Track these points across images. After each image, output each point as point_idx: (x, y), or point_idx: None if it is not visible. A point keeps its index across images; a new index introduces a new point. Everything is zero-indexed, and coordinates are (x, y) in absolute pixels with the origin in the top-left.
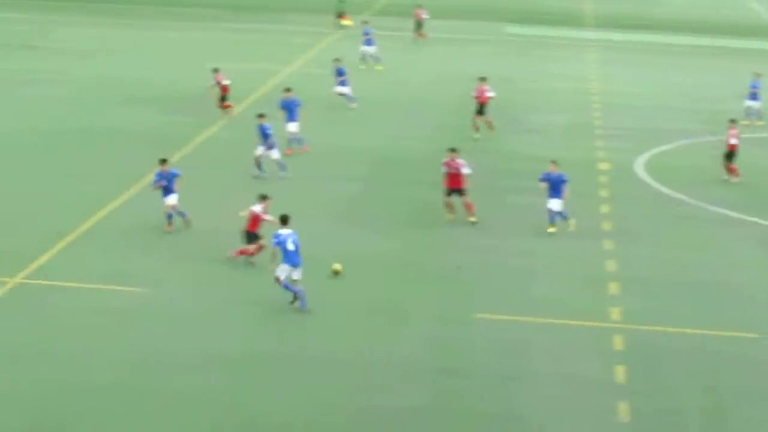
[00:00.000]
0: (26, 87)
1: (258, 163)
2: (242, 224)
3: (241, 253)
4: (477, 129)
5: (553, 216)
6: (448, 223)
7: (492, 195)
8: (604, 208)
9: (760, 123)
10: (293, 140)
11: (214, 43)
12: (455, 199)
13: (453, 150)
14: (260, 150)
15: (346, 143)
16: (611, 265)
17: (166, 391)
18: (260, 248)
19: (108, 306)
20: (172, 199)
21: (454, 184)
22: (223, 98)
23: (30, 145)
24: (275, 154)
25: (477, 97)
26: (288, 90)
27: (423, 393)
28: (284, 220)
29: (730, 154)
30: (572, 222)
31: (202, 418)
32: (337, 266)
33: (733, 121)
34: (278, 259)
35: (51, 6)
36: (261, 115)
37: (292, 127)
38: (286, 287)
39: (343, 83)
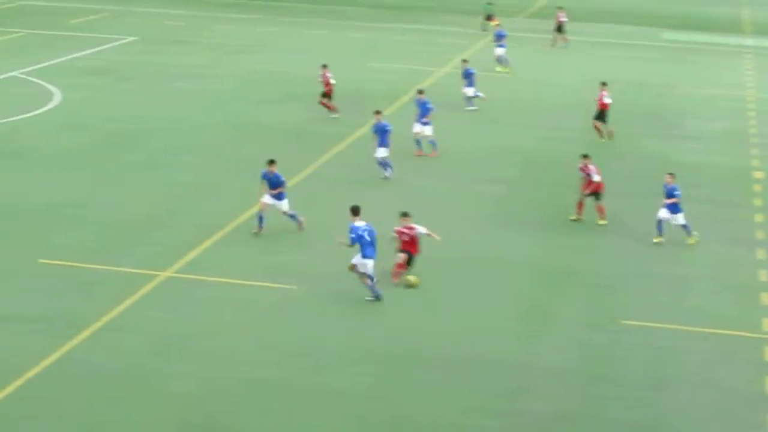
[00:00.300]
0: (177, 81)
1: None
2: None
3: (400, 267)
4: (600, 133)
5: (661, 226)
6: (572, 222)
7: (640, 200)
8: (758, 218)
9: None
10: (420, 142)
11: (367, 42)
12: (590, 200)
13: (585, 156)
14: (382, 152)
15: (493, 144)
16: (764, 275)
17: (314, 387)
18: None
19: (256, 302)
20: (283, 205)
21: (590, 188)
22: (325, 95)
23: (181, 139)
24: (383, 152)
25: (598, 102)
26: (421, 92)
27: (569, 398)
28: (356, 212)
29: None
30: (695, 236)
31: (348, 415)
32: (412, 278)
33: None
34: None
35: (206, 2)
36: (378, 112)
37: (418, 128)
38: (370, 280)
39: (469, 84)
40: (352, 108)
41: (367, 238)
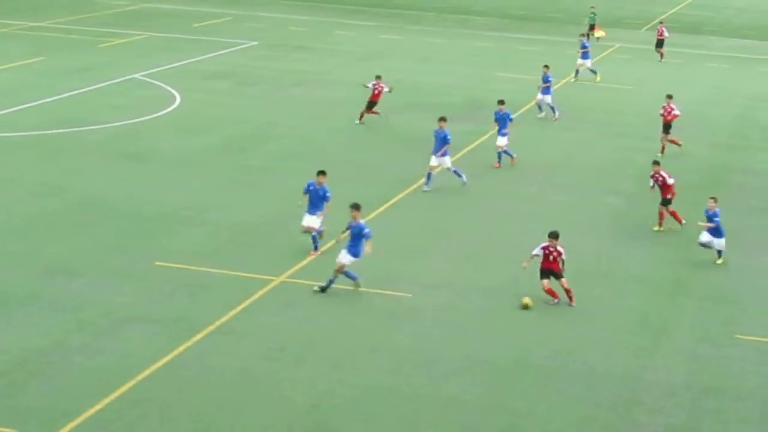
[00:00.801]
0: (297, 87)
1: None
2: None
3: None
4: (663, 149)
5: (706, 247)
6: (656, 233)
7: (761, 216)
8: None
9: None
10: (501, 154)
11: (491, 51)
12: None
13: (656, 162)
14: (434, 160)
15: (609, 156)
16: None
17: (425, 395)
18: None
19: (371, 309)
20: (311, 221)
21: (664, 194)
22: (371, 104)
23: (299, 145)
24: (447, 162)
25: (663, 116)
26: (501, 102)
27: (680, 411)
28: (358, 208)
29: None
30: (722, 259)
31: (459, 423)
32: (527, 301)
33: None
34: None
35: (330, 8)
36: (442, 119)
37: (502, 141)
38: (347, 275)
39: (546, 91)
40: (471, 117)
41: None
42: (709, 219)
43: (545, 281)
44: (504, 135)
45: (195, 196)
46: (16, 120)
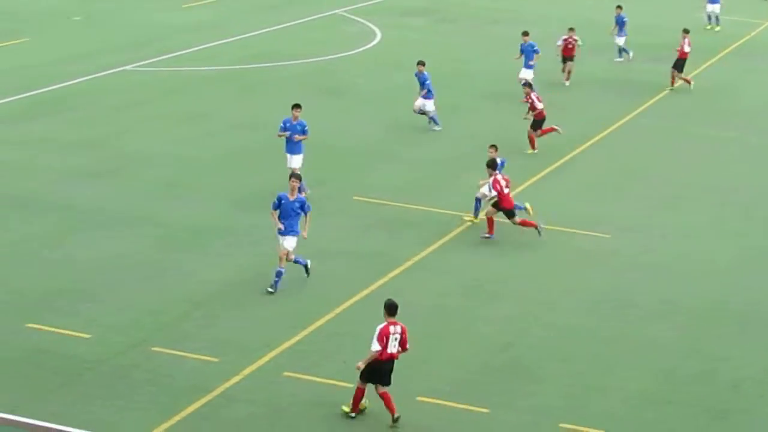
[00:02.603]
0: (498, 25)
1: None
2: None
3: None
4: (672, 82)
5: None
6: None
7: None
8: None
9: None
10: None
11: None
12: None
13: (526, 85)
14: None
15: None
16: None
17: (620, 336)
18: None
19: (569, 248)
20: (297, 161)
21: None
22: (566, 59)
23: (492, 83)
24: (429, 105)
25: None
26: (526, 34)
27: None
28: (299, 178)
29: None
30: None
31: (654, 366)
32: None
33: None
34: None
35: None
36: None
37: (527, 73)
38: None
39: (621, 33)
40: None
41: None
42: None
43: None
44: (530, 68)
45: (391, 133)
46: (215, 55)
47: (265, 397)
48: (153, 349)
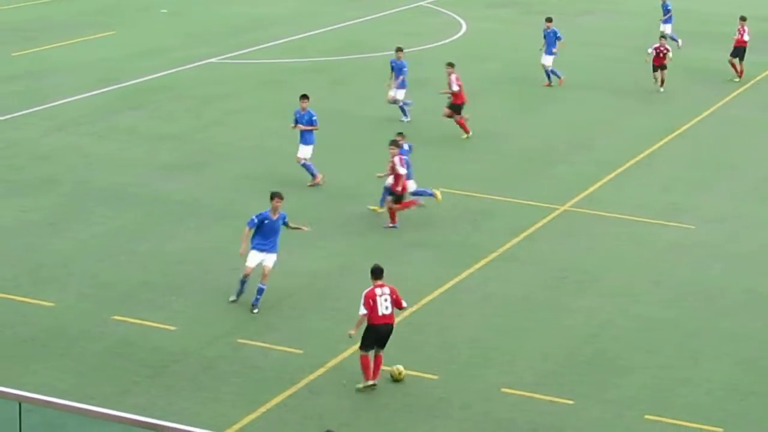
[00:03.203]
0: (586, 16)
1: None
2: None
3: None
4: (735, 70)
5: None
6: None
7: None
8: None
9: None
10: (549, 74)
11: None
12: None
13: (450, 64)
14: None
15: None
16: None
17: (706, 328)
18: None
19: (653, 240)
20: (305, 151)
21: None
22: (656, 67)
23: (581, 75)
24: (401, 95)
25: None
26: (549, 20)
27: None
28: (281, 196)
29: None
30: None
31: (738, 358)
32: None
33: None
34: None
35: None
36: (399, 49)
37: (547, 60)
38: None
39: (667, 21)
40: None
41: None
42: None
43: None
44: (551, 54)
45: (480, 123)
46: (303, 46)
47: (350, 389)
48: (239, 341)
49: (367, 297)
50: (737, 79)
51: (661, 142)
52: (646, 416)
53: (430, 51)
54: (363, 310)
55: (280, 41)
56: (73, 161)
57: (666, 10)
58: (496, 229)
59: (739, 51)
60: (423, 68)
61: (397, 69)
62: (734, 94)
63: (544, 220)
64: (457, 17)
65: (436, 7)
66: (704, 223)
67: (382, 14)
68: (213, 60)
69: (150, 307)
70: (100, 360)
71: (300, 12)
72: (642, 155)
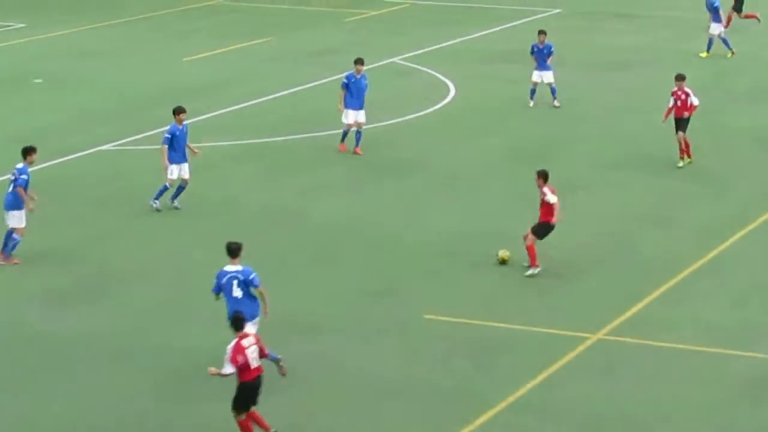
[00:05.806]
0: (613, 71)
1: None
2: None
3: None
4: None
5: None
6: None
7: None
8: None
9: None
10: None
11: None
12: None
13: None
14: None
15: None
16: None
17: None
18: None
19: (724, 375)
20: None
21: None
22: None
23: (616, 151)
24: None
25: None
26: (543, 33)
27: None
28: (232, 252)
29: None
30: None
31: None
32: (504, 254)
33: None
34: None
35: None
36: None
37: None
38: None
39: (716, 19)
40: None
41: (236, 291)
42: None
43: None
44: (548, 69)
45: (474, 218)
46: (233, 124)
47: None
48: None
49: (234, 352)
50: None
51: (730, 241)
52: None
53: (409, 124)
54: (230, 369)
55: (202, 117)
56: None
57: (713, 8)
58: (505, 367)
59: None
60: (401, 149)
61: (360, 88)
62: None
63: (571, 354)
64: (441, 77)
65: (411, 65)
66: None
67: (341, 75)
68: (107, 147)
69: None
70: None
71: (233, 76)
72: (704, 259)
